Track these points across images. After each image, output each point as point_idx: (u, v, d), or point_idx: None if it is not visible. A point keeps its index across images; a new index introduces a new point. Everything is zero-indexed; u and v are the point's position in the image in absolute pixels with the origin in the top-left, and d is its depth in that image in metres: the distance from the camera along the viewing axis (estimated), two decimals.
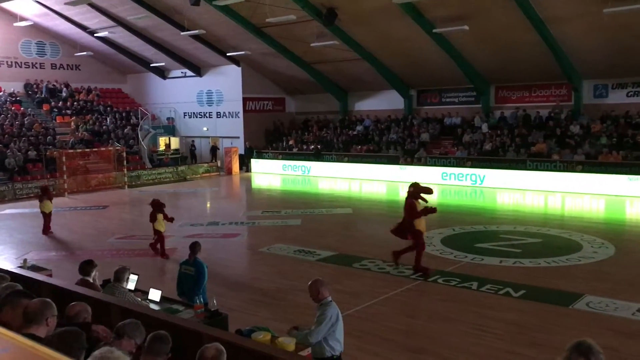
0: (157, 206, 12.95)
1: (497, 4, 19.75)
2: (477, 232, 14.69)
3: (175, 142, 33.52)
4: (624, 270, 11.04)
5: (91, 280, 6.82)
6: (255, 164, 30.39)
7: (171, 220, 13.26)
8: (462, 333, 8.15)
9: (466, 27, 20.71)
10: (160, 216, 12.86)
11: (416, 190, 11.00)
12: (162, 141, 32.87)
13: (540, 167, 21.67)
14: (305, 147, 29.63)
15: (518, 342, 7.77)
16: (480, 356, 7.37)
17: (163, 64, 32.60)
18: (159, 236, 12.91)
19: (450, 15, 20.91)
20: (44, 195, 15.94)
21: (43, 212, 15.71)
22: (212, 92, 32.55)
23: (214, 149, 31.80)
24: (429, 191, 11.01)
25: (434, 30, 21.76)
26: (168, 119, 34.27)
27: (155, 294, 7.18)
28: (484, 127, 25.22)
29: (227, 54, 28.97)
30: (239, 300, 9.72)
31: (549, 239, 13.73)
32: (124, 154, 26.79)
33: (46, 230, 15.63)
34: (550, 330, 8.18)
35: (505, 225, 15.32)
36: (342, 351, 5.72)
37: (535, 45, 21.06)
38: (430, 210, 10.82)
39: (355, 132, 29.34)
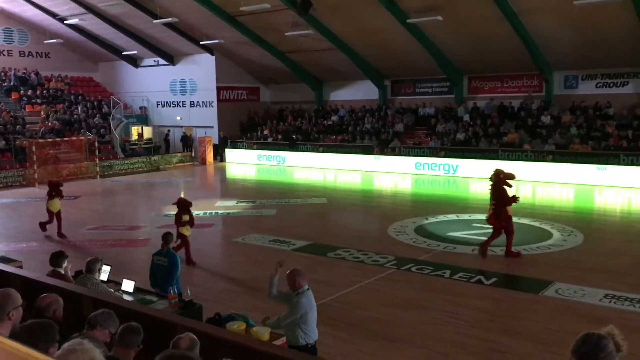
0: (184, 206, 11.28)
1: None
2: (450, 221, 14.88)
3: (148, 132, 33.10)
4: (592, 258, 11.30)
5: (62, 272, 6.74)
6: (230, 153, 30.22)
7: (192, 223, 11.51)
8: (435, 321, 8.27)
9: (440, 18, 20.82)
10: (186, 217, 11.21)
11: (505, 177, 11.04)
12: (135, 130, 32.42)
13: (511, 157, 21.97)
14: (280, 137, 29.56)
15: (490, 329, 7.92)
16: (453, 343, 7.49)
17: (135, 52, 32.10)
18: (183, 240, 11.25)
19: (424, 6, 21.00)
20: (54, 191, 14.07)
21: (50, 211, 13.98)
22: (186, 81, 32.20)
23: (184, 139, 31.41)
24: (513, 177, 11.15)
25: (408, 21, 21.84)
26: (141, 108, 33.81)
27: (128, 285, 7.13)
28: (466, 117, 25.37)
29: (201, 43, 28.65)
30: (214, 291, 9.70)
31: (520, 227, 13.93)
32: (96, 144, 26.40)
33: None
34: (521, 317, 8.35)
35: (478, 214, 15.51)
36: (316, 339, 5.78)
37: (507, 36, 21.28)
38: (515, 198, 11.06)
39: (330, 122, 29.36)
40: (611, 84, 23.00)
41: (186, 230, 11.23)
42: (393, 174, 23.89)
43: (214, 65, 30.65)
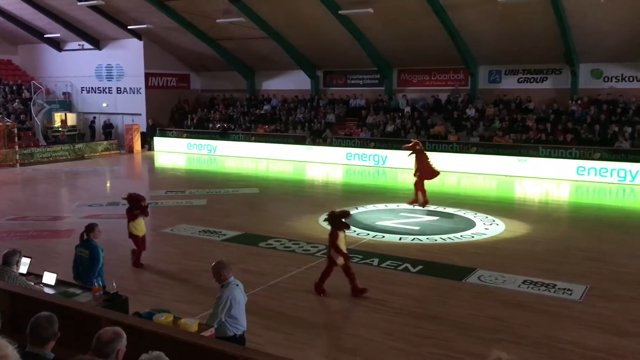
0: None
1: None
2: (379, 210, 15.19)
3: (72, 119, 31.76)
4: (512, 246, 11.86)
5: None
6: (159, 142, 29.50)
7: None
8: (364, 308, 8.45)
9: (371, 10, 21.09)
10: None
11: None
12: (58, 117, 31.04)
13: (438, 148, 22.62)
14: (210, 125, 29.14)
15: (416, 316, 8.18)
16: (381, 330, 7.68)
17: (58, 35, 30.65)
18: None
19: None
20: (136, 208, 10.51)
21: (135, 236, 10.49)
22: (112, 67, 31.10)
23: (105, 127, 30.35)
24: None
25: (340, 12, 22.00)
26: (64, 93, 32.38)
27: (49, 278, 6.87)
28: (407, 109, 25.69)
29: (129, 27, 27.74)
30: (141, 282, 9.50)
31: (445, 216, 14.45)
32: (15, 130, 25.10)
33: (137, 261, 10.50)
34: (446, 303, 8.66)
35: (405, 204, 15.93)
36: (244, 330, 5.80)
37: (435, 30, 21.84)
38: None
39: (262, 112, 29.20)
40: (532, 80, 24.08)
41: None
42: (325, 164, 24.08)
43: (142, 51, 29.77)
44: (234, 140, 27.61)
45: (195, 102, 32.12)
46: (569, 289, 9.09)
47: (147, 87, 30.25)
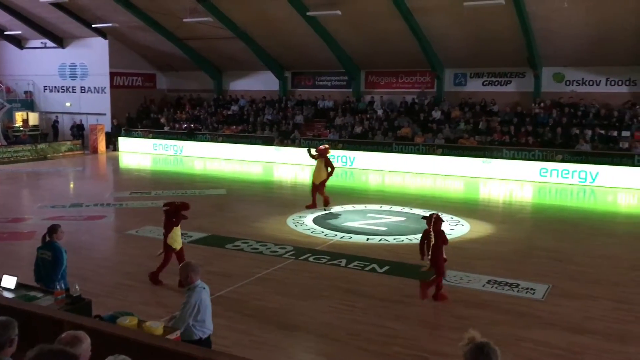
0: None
1: None
2: (347, 211, 15.26)
3: (34, 118, 31.02)
4: (477, 246, 12.05)
5: None
6: (124, 142, 29.04)
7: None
8: (332, 309, 8.48)
9: (339, 12, 21.19)
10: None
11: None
12: (19, 116, 30.30)
13: (405, 150, 22.87)
14: (177, 125, 28.83)
15: (383, 316, 8.24)
16: (349, 330, 7.71)
17: (19, 32, 29.90)
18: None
19: (324, 0, 21.27)
20: (175, 217, 9.38)
21: (170, 249, 9.35)
22: (76, 66, 30.49)
23: (73, 128, 29.71)
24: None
25: (308, 14, 22.04)
26: (26, 92, 31.58)
27: (9, 281, 6.69)
28: (380, 111, 25.74)
29: (93, 26, 27.24)
30: (105, 285, 9.34)
31: (412, 217, 14.59)
32: None
33: (157, 275, 9.50)
34: (412, 303, 8.75)
35: (373, 204, 16.03)
36: (211, 333, 5.76)
37: (402, 33, 22.06)
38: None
39: (230, 112, 29.02)
40: (496, 83, 24.51)
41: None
42: (293, 165, 24.07)
43: (107, 50, 29.28)
44: (201, 140, 27.36)
45: (161, 102, 31.73)
46: (532, 289, 9.28)
47: (112, 86, 29.75)
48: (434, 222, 8.90)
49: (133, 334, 4.68)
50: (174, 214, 9.28)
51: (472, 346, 3.15)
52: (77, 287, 6.52)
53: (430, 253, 8.84)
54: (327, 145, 16.40)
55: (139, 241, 12.16)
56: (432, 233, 8.86)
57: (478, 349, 3.13)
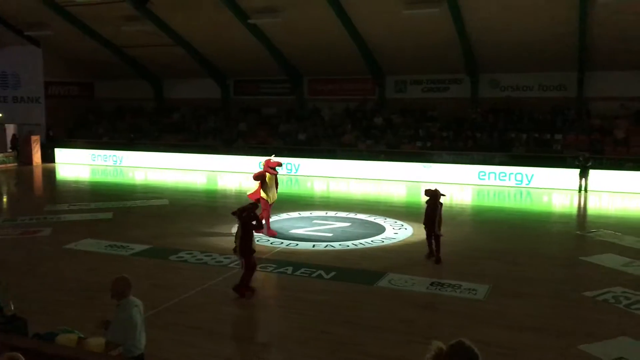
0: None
1: None
2: (293, 218, 15.26)
3: None
4: (420, 249, 12.23)
5: None
6: (60, 153, 28.08)
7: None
8: (279, 317, 8.45)
9: (280, 20, 21.24)
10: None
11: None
12: None
13: (348, 156, 23.10)
14: (116, 135, 28.11)
15: (331, 322, 8.27)
16: (296, 338, 7.70)
17: None
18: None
19: (265, 7, 21.28)
20: (255, 218, 9.50)
21: (252, 251, 9.32)
22: (7, 74, 29.27)
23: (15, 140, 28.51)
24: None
25: (249, 21, 21.98)
26: None
27: None
28: (327, 116, 25.90)
29: (25, 33, 26.27)
30: (42, 302, 8.98)
31: (357, 222, 14.74)
32: None
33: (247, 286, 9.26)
34: (359, 308, 8.83)
35: (318, 211, 16.10)
36: (142, 351, 5.55)
37: (343, 41, 22.30)
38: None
39: (171, 121, 28.53)
40: (435, 89, 25.11)
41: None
42: (237, 174, 23.88)
43: (41, 58, 28.27)
44: (141, 150, 26.77)
45: (100, 111, 30.87)
46: (473, 289, 9.54)
47: (46, 96, 28.74)
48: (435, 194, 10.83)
49: (73, 352, 4.52)
50: (253, 217, 9.27)
51: (450, 349, 3.18)
52: (11, 305, 6.25)
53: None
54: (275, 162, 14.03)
55: (78, 255, 11.77)
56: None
57: (458, 346, 3.17)
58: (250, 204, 9.61)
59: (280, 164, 13.91)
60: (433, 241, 11.28)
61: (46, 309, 8.61)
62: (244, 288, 9.11)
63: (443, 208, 11.49)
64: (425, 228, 11.40)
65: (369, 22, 21.44)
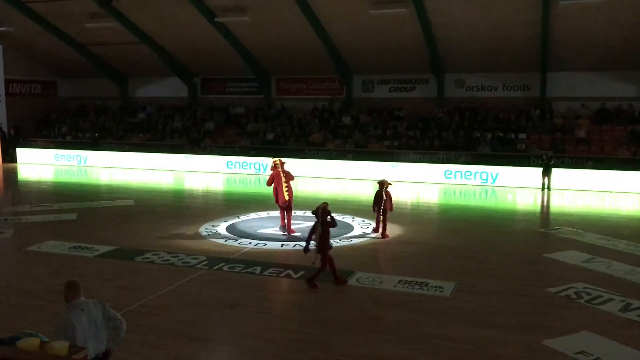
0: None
1: None
2: (261, 218, 15.20)
3: None
4: (388, 248, 12.38)
5: None
6: (22, 153, 27.40)
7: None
8: (247, 318, 8.41)
9: (247, 19, 21.14)
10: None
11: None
12: None
13: (317, 155, 23.14)
14: (80, 135, 27.58)
15: (299, 321, 8.28)
16: (265, 338, 7.68)
17: None
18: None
19: (231, 5, 21.16)
20: (329, 213, 9.86)
21: (329, 248, 9.86)
22: None
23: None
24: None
25: (216, 19, 21.81)
26: None
27: None
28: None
29: None
30: (3, 306, 8.76)
31: None
32: None
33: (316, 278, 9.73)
34: (327, 307, 8.86)
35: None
36: (92, 357, 5.36)
37: (311, 40, 22.34)
38: None
39: (136, 120, 28.13)
40: (402, 89, 25.35)
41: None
42: (204, 173, 23.67)
43: (1, 56, 27.53)
44: (106, 150, 26.32)
45: (63, 110, 30.24)
46: (440, 286, 9.66)
47: (7, 94, 28.02)
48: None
49: (35, 356, 4.42)
50: (328, 213, 9.77)
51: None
52: None
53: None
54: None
55: (41, 257, 11.51)
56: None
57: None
58: (324, 203, 10.14)
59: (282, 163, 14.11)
60: (381, 220, 13.02)
61: (6, 313, 8.40)
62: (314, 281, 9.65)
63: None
64: (373, 211, 13.25)
65: (336, 21, 21.51)
